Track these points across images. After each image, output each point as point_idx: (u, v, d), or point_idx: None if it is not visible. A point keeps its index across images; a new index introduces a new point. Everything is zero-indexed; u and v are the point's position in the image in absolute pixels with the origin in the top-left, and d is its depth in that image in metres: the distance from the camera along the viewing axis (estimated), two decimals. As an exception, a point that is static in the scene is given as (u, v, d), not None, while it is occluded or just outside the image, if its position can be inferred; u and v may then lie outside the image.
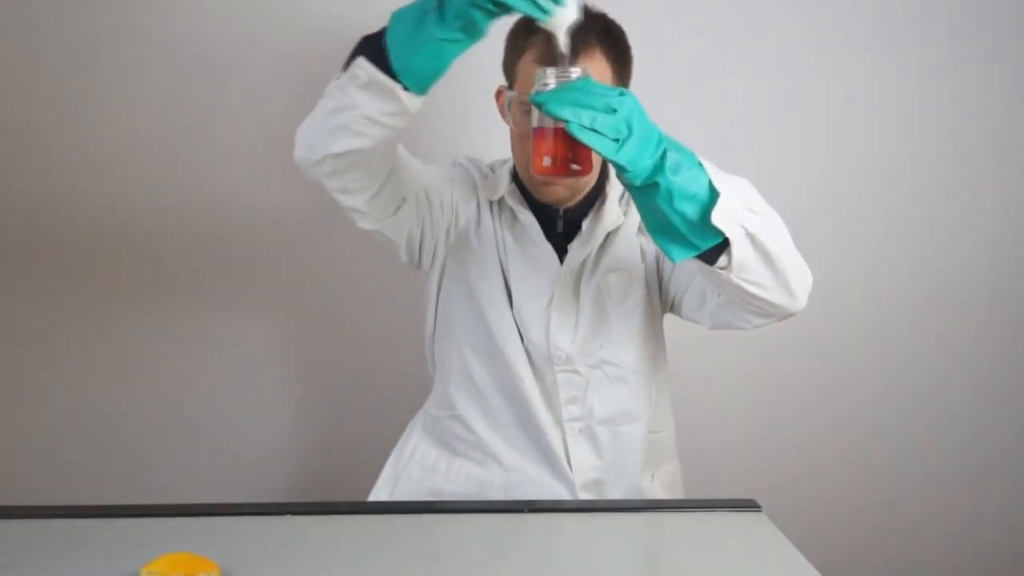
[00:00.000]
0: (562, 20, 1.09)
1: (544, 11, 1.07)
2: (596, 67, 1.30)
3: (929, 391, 2.01)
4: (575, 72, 1.09)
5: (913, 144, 1.94)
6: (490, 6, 1.04)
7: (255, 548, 1.16)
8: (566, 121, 1.03)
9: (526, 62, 1.33)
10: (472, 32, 1.07)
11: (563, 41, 1.10)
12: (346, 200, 1.26)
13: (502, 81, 1.40)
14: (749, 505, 1.32)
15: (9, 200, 1.85)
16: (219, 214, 1.87)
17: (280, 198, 1.87)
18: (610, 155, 1.04)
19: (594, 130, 1.03)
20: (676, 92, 1.86)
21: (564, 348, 1.43)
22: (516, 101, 1.34)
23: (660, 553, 1.29)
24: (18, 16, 1.80)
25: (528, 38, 1.33)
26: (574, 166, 1.11)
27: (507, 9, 1.05)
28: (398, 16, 1.11)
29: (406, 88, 1.11)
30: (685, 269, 1.40)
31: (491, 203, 1.46)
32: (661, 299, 1.48)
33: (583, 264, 1.43)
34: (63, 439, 1.90)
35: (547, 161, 1.11)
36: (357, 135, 1.16)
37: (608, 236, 1.44)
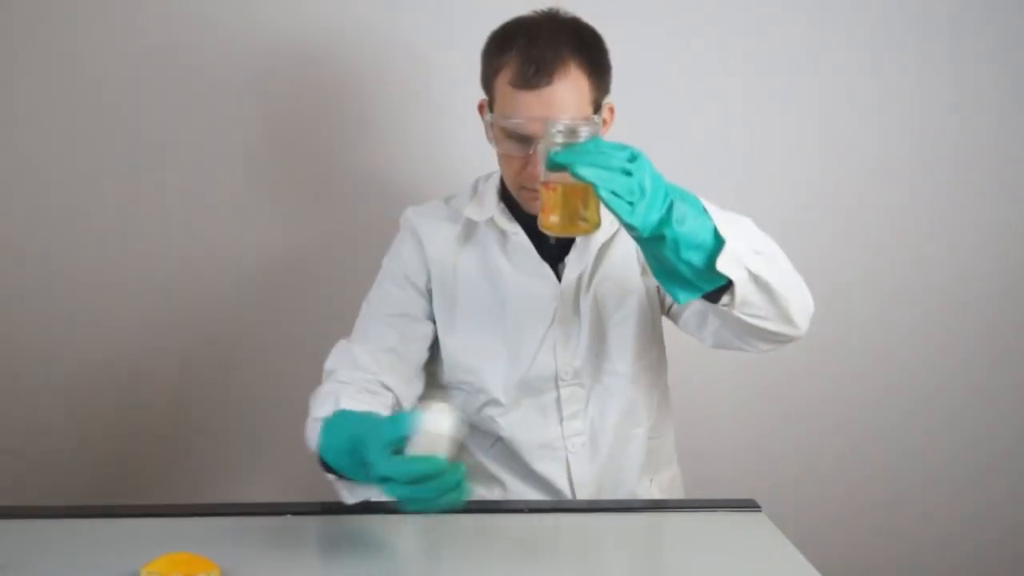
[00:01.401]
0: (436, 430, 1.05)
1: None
2: (572, 82, 1.28)
3: (929, 391, 2.00)
4: (584, 132, 1.05)
5: (913, 144, 1.94)
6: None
7: (255, 548, 1.16)
8: (593, 184, 1.00)
9: (501, 84, 1.30)
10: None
11: (448, 449, 1.05)
12: None
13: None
14: (749, 505, 1.32)
15: (8, 200, 1.85)
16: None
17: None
18: (625, 217, 1.02)
19: (614, 193, 1.00)
20: (676, 92, 1.86)
21: (571, 364, 1.43)
22: (497, 125, 1.32)
23: (660, 553, 1.29)
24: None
25: (500, 57, 1.31)
26: (582, 223, 1.08)
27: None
28: (330, 460, 1.18)
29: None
30: None
31: (468, 233, 1.45)
32: (660, 303, 1.47)
33: (579, 278, 1.42)
34: (63, 439, 1.90)
35: (554, 219, 1.07)
36: None
37: (601, 248, 1.42)
